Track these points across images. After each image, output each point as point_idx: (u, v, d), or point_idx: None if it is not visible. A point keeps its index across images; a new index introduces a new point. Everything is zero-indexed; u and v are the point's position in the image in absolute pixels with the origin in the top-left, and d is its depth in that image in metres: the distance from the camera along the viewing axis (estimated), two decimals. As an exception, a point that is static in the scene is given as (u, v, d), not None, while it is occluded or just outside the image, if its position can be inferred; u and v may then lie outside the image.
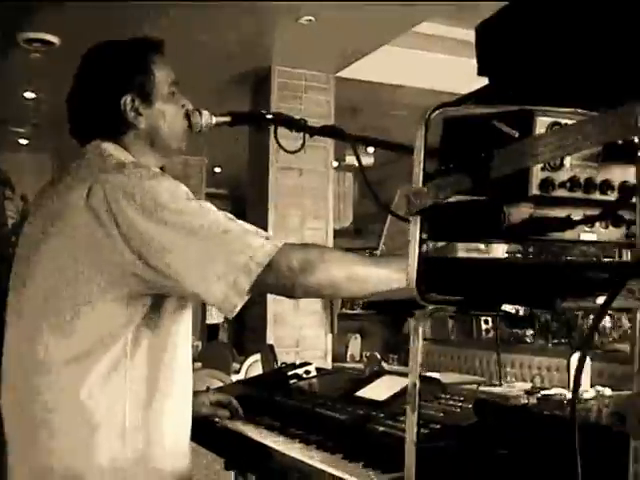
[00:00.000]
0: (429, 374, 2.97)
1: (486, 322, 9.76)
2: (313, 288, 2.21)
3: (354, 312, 10.81)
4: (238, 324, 10.48)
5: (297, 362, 3.23)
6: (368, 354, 4.91)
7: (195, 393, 2.50)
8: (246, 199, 8.64)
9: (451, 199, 1.40)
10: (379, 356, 3.34)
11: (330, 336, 7.91)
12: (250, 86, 8.24)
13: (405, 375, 2.00)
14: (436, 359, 11.03)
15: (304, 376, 3.09)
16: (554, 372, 7.75)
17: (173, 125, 2.41)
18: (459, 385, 2.90)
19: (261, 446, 2.40)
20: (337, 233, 8.79)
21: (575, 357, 2.64)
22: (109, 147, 2.33)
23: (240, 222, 2.20)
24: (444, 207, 1.43)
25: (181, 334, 2.34)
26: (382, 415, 2.34)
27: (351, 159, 10.07)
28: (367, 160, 10.40)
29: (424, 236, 1.46)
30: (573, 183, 1.28)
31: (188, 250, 2.13)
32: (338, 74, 8.04)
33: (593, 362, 3.47)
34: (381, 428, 2.23)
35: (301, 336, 7.74)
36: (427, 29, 7.66)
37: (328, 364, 7.60)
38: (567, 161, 1.27)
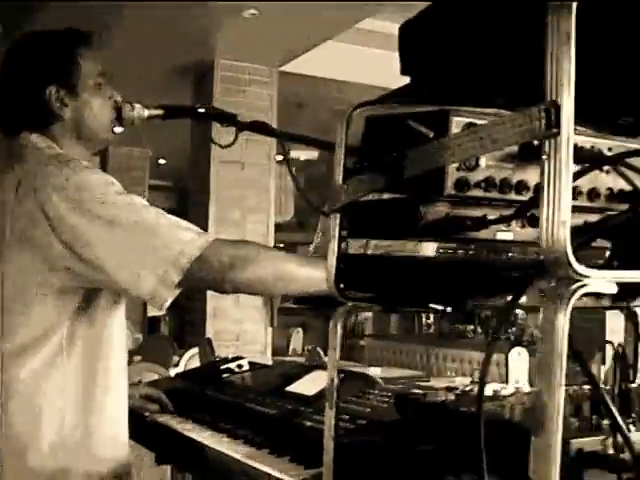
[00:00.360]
0: (370, 369, 2.99)
1: (428, 317, 9.79)
2: (243, 284, 2.22)
3: (297, 306, 10.78)
4: (179, 317, 10.43)
5: (230, 356, 3.23)
6: (310, 348, 4.91)
7: None
8: (188, 191, 8.62)
9: (372, 197, 1.42)
10: (320, 350, 3.36)
11: (270, 330, 7.91)
12: (193, 79, 8.21)
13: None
14: (378, 354, 11.06)
15: (236, 370, 3.09)
16: (494, 367, 7.79)
17: (99, 116, 2.40)
18: (398, 380, 2.92)
19: (189, 440, 2.40)
20: (279, 227, 8.79)
21: (513, 352, 2.67)
22: (36, 139, 2.32)
23: (171, 217, 2.21)
24: (364, 205, 1.44)
25: (116, 327, 2.35)
26: (310, 410, 2.35)
27: (296, 153, 10.06)
28: (312, 154, 10.40)
29: (344, 233, 1.47)
30: (488, 183, 1.29)
31: (118, 244, 2.13)
32: (282, 68, 8.04)
33: (532, 358, 3.49)
34: (308, 423, 2.24)
35: (241, 330, 7.73)
36: (371, 25, 7.68)
37: (268, 358, 7.60)
38: (482, 162, 1.29)
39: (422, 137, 1.24)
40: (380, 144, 1.37)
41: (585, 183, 1.43)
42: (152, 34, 7.06)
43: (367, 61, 8.11)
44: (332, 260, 1.46)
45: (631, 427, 1.25)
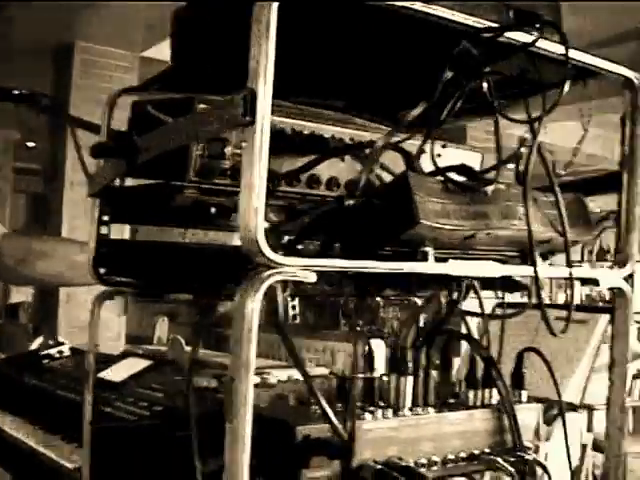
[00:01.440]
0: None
1: (293, 308, 9.85)
2: (35, 278, 2.22)
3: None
4: (39, 304, 10.27)
5: (50, 342, 3.20)
6: (171, 337, 4.87)
7: None
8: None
9: (133, 182, 1.41)
10: (182, 339, 3.34)
11: (124, 318, 7.80)
12: (52, 62, 8.00)
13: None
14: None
15: (57, 356, 3.06)
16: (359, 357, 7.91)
17: None
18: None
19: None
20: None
21: (373, 343, 2.71)
22: None
23: None
24: (124, 190, 1.44)
25: None
26: (114, 397, 2.33)
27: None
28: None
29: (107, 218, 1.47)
30: (235, 171, 1.30)
31: None
32: (144, 54, 7.91)
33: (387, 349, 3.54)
34: (107, 409, 2.23)
35: (94, 317, 7.59)
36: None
37: (121, 346, 7.49)
38: (228, 150, 1.29)
39: (162, 123, 1.24)
40: (135, 129, 1.36)
41: (344, 175, 1.45)
42: (10, 17, 6.90)
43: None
44: (91, 244, 1.46)
45: (367, 415, 1.28)
